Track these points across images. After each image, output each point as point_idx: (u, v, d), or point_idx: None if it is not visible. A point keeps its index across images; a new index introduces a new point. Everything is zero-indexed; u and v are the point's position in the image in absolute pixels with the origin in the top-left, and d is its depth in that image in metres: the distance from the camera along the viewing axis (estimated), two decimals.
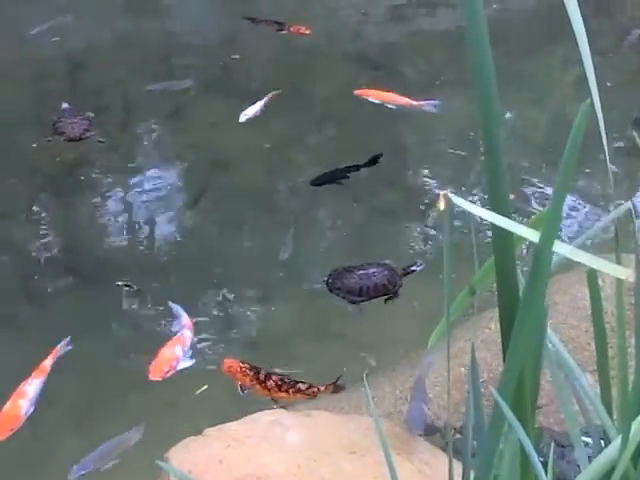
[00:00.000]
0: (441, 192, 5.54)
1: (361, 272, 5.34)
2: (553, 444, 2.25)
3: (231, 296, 5.60)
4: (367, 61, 7.73)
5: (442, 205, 5.40)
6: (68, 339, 5.03)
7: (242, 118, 6.59)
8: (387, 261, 5.54)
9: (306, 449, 3.74)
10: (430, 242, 5.94)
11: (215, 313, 5.51)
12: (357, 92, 6.92)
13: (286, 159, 6.66)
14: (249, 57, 7.44)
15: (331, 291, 5.35)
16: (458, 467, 3.74)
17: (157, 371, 4.83)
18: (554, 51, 7.82)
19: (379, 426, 2.60)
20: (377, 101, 6.90)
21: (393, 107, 6.82)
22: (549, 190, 6.21)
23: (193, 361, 4.92)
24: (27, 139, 6.76)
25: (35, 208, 6.35)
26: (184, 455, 3.71)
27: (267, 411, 3.96)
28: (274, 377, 4.72)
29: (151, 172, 6.69)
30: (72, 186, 6.46)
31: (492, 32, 1.55)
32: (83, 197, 6.45)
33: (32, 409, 4.68)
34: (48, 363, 4.90)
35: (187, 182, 6.57)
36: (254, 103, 6.68)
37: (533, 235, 1.66)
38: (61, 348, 5.00)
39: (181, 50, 7.93)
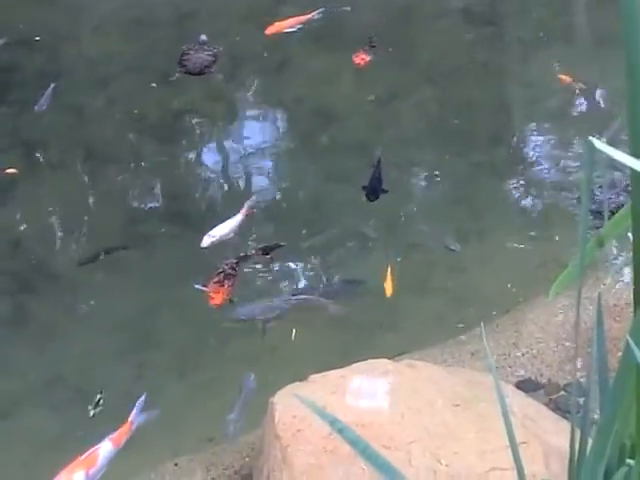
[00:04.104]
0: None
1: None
2: None
3: (331, 246, 5.62)
4: (473, 16, 7.62)
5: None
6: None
7: (205, 242, 5.31)
8: None
9: (410, 399, 3.75)
10: (528, 198, 5.89)
11: (314, 263, 5.55)
12: (268, 31, 6.93)
13: (389, 113, 6.62)
14: (359, 10, 7.36)
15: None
16: (562, 423, 3.73)
17: None
18: None
19: (496, 380, 2.58)
20: (292, 28, 6.94)
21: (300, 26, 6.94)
22: None
23: None
24: (137, 85, 6.87)
25: (141, 154, 6.42)
26: (289, 400, 3.75)
27: (371, 360, 3.98)
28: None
29: (255, 122, 6.73)
30: (177, 133, 6.54)
31: None
32: (188, 144, 6.53)
33: None
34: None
35: (290, 133, 6.61)
36: (227, 220, 5.47)
37: None
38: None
39: (291, 0, 7.89)
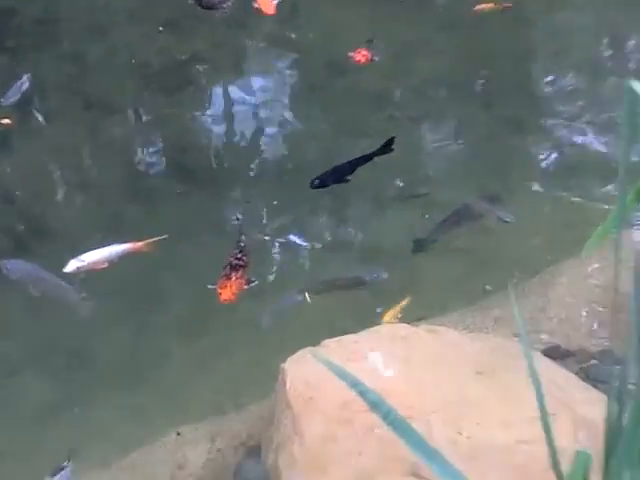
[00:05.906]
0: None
1: None
2: None
3: (345, 201, 5.45)
4: None
5: None
6: None
7: (70, 267, 4.68)
8: None
9: (430, 366, 3.58)
10: (557, 153, 5.70)
11: (328, 219, 5.43)
12: None
13: (405, 63, 6.42)
14: None
15: None
16: (593, 392, 3.54)
17: None
18: None
19: (526, 348, 2.37)
20: None
21: None
22: None
23: None
24: (140, 32, 6.67)
25: (144, 104, 6.24)
26: (301, 366, 3.58)
27: (389, 324, 3.83)
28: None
29: (264, 71, 6.56)
30: (181, 82, 6.33)
31: None
32: (194, 94, 6.35)
33: None
34: None
35: (300, 82, 6.42)
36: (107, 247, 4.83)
37: None
38: None
39: None
